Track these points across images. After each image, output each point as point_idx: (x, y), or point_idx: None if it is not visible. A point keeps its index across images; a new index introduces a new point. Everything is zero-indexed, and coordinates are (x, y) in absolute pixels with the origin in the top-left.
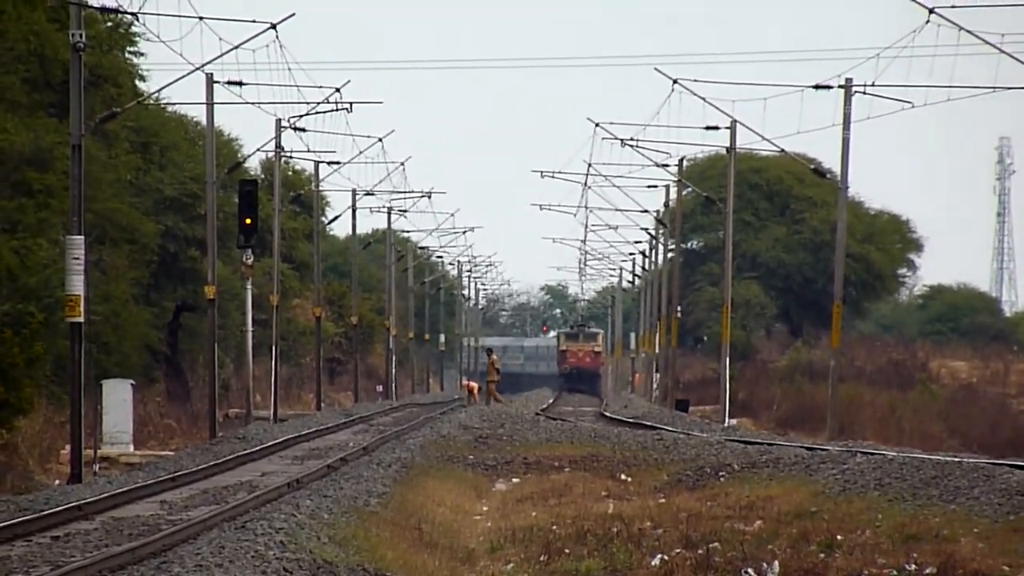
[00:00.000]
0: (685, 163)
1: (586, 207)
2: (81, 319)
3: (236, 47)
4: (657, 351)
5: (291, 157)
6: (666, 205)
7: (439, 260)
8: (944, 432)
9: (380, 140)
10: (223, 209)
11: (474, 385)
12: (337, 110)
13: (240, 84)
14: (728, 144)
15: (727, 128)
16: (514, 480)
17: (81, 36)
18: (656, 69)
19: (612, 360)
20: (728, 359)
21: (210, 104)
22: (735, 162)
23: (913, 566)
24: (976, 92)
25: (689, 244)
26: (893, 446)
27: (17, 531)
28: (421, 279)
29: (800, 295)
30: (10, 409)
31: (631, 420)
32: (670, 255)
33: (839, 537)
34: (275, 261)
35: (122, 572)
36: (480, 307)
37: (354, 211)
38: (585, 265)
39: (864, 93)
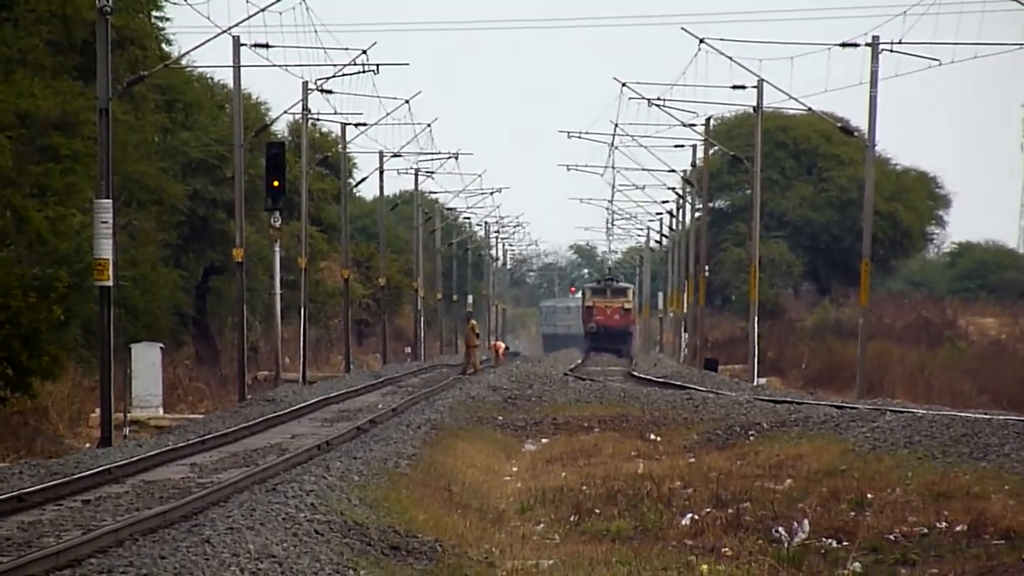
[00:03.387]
0: (712, 122)
1: (613, 167)
2: (110, 283)
3: (263, 10)
4: (685, 310)
5: (318, 119)
6: (693, 164)
7: (466, 221)
8: (973, 389)
9: (407, 102)
10: (250, 171)
11: (501, 345)
12: (364, 72)
13: (267, 47)
14: (755, 103)
15: (754, 87)
16: (543, 441)
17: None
18: (683, 28)
19: (640, 319)
20: (756, 318)
21: (237, 67)
22: (762, 121)
23: (943, 524)
24: (1003, 49)
25: (716, 203)
26: (922, 404)
27: (48, 495)
28: (448, 240)
29: (828, 253)
30: (34, 374)
31: (660, 380)
32: (698, 214)
33: (869, 495)
34: (303, 223)
35: (153, 535)
36: (508, 268)
37: (381, 173)
38: (613, 225)
39: (891, 51)
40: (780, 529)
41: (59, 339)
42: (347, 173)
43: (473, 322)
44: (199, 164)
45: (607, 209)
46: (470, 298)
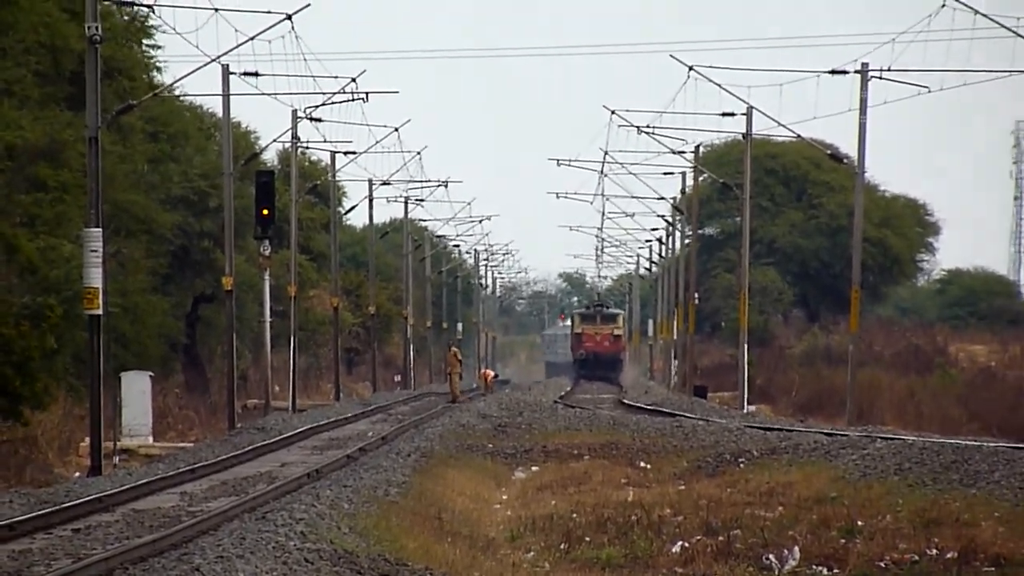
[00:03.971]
0: (701, 149)
1: (603, 194)
2: (100, 311)
3: (252, 38)
4: (675, 338)
5: (307, 147)
6: (683, 192)
7: (456, 249)
8: (963, 416)
9: (396, 130)
10: (238, 199)
11: (490, 373)
12: (353, 100)
13: (256, 75)
14: (744, 130)
15: (743, 114)
16: (533, 468)
17: (97, 28)
18: (672, 56)
19: (631, 347)
20: (746, 345)
21: (226, 95)
22: (751, 148)
23: (934, 551)
24: (992, 76)
25: (706, 230)
26: (912, 431)
27: (38, 523)
28: (438, 268)
29: (817, 280)
30: (26, 402)
31: (650, 407)
32: (687, 242)
33: (860, 522)
34: (292, 252)
35: (143, 564)
36: (497, 295)
37: (371, 201)
38: (602, 252)
39: (880, 78)
40: (770, 557)
41: (49, 367)
42: (336, 201)
43: (455, 349)
44: (181, 198)
45: (596, 237)
46: (459, 326)
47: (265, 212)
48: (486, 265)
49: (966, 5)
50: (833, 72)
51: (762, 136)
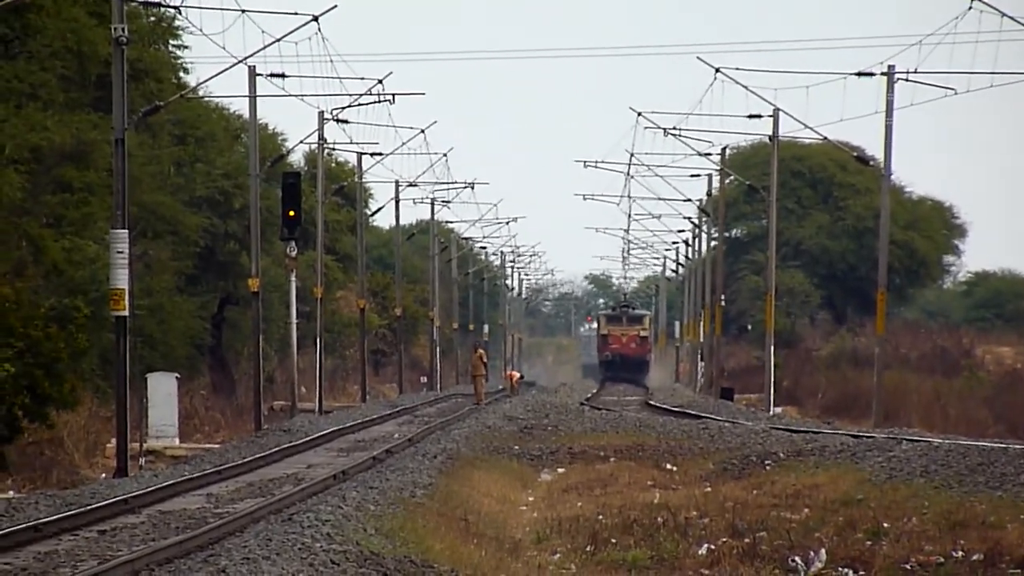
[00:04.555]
0: (728, 152)
1: (629, 196)
2: (126, 313)
3: (278, 39)
4: (701, 340)
5: (334, 149)
6: (709, 194)
7: (482, 251)
8: (990, 418)
9: (423, 131)
10: (264, 200)
11: (516, 374)
12: (379, 101)
13: (283, 76)
14: (771, 132)
15: (770, 116)
16: (559, 470)
17: (124, 30)
18: (698, 58)
19: (657, 348)
20: (772, 347)
21: (253, 97)
22: (778, 150)
23: (960, 553)
24: (1019, 78)
25: (732, 232)
26: (939, 433)
27: (64, 525)
28: (464, 270)
29: (844, 282)
30: (54, 403)
31: (676, 409)
32: (714, 244)
33: (886, 524)
34: (319, 253)
35: (169, 566)
36: (523, 297)
37: (397, 202)
38: (628, 254)
39: (907, 80)
40: (796, 559)
41: (76, 369)
42: (363, 203)
43: (481, 351)
44: (207, 198)
45: (623, 238)
46: (486, 327)
47: (291, 214)
48: (512, 267)
49: (993, 7)
50: (859, 74)
51: (788, 138)
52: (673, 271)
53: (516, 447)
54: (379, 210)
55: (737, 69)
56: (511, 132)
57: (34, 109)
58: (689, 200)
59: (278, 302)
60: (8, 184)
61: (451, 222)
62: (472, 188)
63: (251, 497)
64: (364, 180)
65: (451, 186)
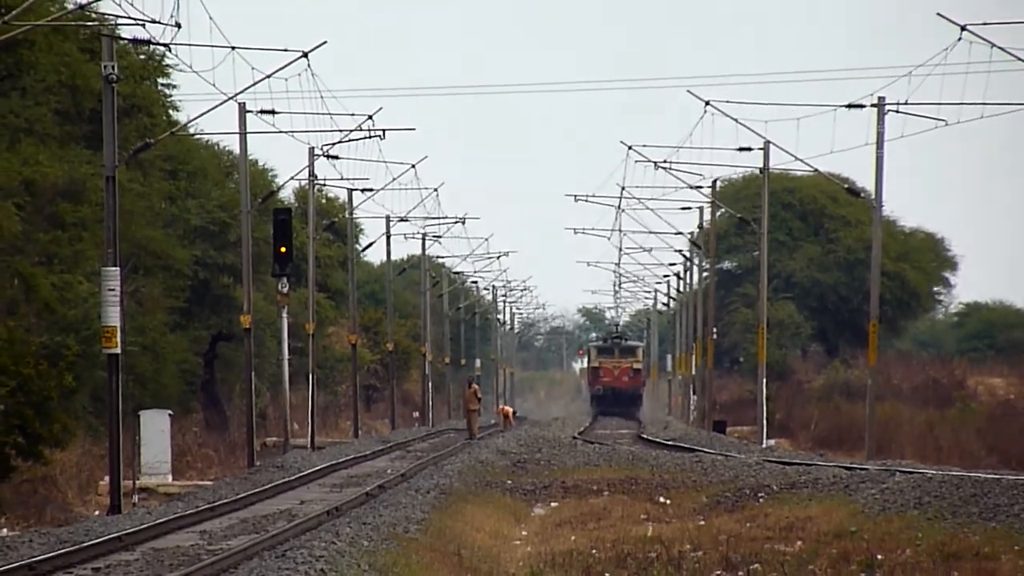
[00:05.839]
0: (718, 184)
1: (620, 230)
2: (118, 350)
3: (268, 76)
4: (693, 372)
5: (324, 185)
6: (700, 227)
7: (474, 285)
8: (983, 450)
9: (413, 166)
10: (255, 236)
11: (509, 409)
12: (370, 137)
13: (273, 113)
14: (761, 164)
15: (760, 149)
16: (552, 504)
17: (113, 68)
18: (688, 91)
19: (649, 382)
20: (764, 380)
21: (243, 133)
22: (768, 182)
23: None
24: (1009, 109)
25: (723, 265)
26: (932, 464)
27: (58, 563)
28: (456, 305)
29: (835, 314)
30: (44, 442)
31: (669, 442)
32: (705, 276)
33: (879, 556)
34: (310, 289)
35: None
36: (515, 331)
37: (388, 238)
38: (620, 288)
39: (897, 112)
40: None
41: (68, 407)
42: (354, 238)
43: (475, 386)
44: (202, 230)
45: (614, 272)
46: (478, 362)
47: (283, 250)
48: (504, 301)
49: (983, 38)
50: (850, 106)
51: (779, 170)
52: (664, 304)
53: (509, 481)
54: (370, 245)
55: (727, 102)
56: (502, 167)
57: (28, 144)
58: (680, 233)
59: (270, 338)
60: (7, 218)
61: (442, 257)
62: (463, 223)
63: (245, 534)
64: (355, 216)
65: (442, 221)
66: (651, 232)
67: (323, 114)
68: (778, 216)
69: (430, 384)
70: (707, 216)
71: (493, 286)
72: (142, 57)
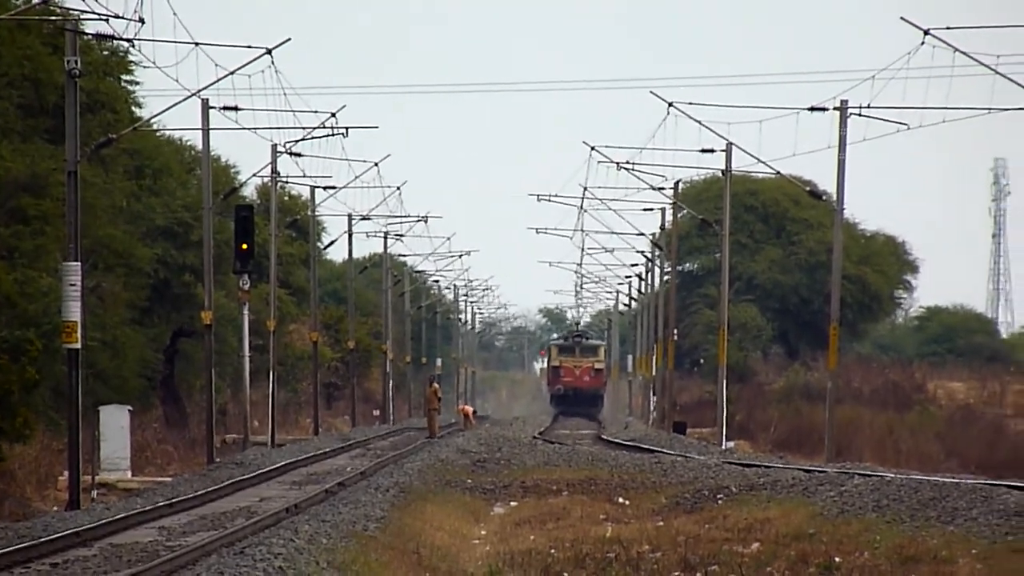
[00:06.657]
0: (681, 186)
1: (582, 230)
2: (78, 345)
3: (232, 72)
4: (654, 373)
5: (287, 182)
6: (662, 228)
7: (435, 284)
8: (942, 453)
9: (376, 165)
10: (217, 235)
11: (470, 409)
12: (333, 135)
13: (236, 109)
14: (724, 166)
15: (723, 151)
16: (512, 504)
17: (76, 63)
18: (652, 92)
19: (610, 382)
20: (725, 381)
21: (206, 129)
22: (731, 184)
23: None
24: (972, 113)
25: (685, 266)
26: (891, 468)
27: (15, 558)
28: (418, 303)
29: (797, 317)
30: (6, 436)
31: (629, 443)
32: (666, 278)
33: (837, 559)
34: (272, 286)
35: None
36: (477, 331)
37: (350, 236)
38: (582, 288)
39: (859, 115)
40: None
41: (28, 401)
42: (316, 236)
43: (436, 385)
44: (164, 229)
45: (576, 272)
46: (439, 361)
47: (244, 247)
48: (466, 300)
49: (946, 43)
50: (812, 109)
51: (741, 172)
52: (626, 305)
53: (469, 481)
54: (332, 243)
55: (690, 104)
56: (465, 166)
57: None
58: (642, 234)
59: (231, 335)
60: None
61: (404, 255)
62: (425, 221)
63: (203, 530)
64: (317, 213)
65: (404, 219)
66: (613, 233)
67: (286, 111)
68: (740, 218)
69: (391, 383)
70: (669, 217)
71: (455, 285)
72: (106, 53)
